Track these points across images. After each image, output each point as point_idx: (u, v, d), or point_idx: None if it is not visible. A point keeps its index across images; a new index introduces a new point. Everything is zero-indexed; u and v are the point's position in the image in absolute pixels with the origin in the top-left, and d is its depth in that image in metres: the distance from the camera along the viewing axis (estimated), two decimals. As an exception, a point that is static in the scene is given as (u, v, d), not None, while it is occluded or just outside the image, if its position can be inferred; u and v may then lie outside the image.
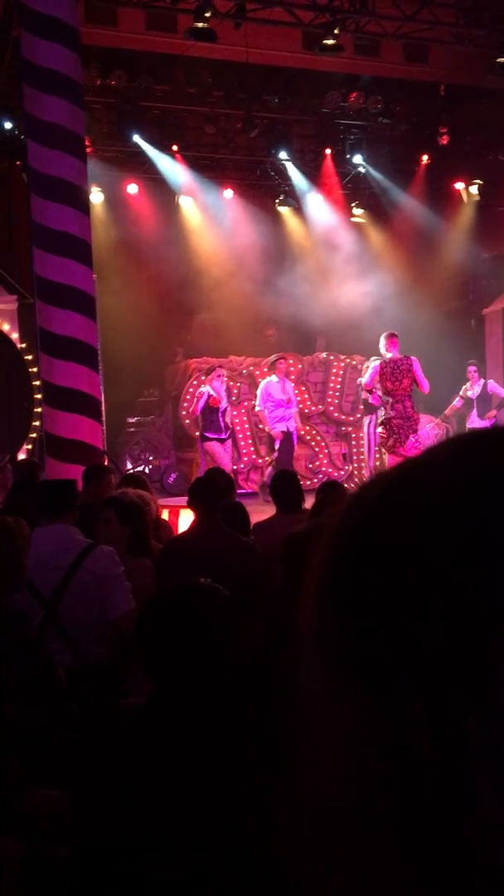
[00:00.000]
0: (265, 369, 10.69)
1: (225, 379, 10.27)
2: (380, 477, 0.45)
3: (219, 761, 1.53)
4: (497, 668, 0.36)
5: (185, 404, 11.49)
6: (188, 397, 11.48)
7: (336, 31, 9.86)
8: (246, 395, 11.57)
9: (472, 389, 10.66)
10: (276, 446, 10.00)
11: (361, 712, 0.38)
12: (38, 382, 8.74)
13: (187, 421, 11.51)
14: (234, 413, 10.88)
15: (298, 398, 10.97)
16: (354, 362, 12.29)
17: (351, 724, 0.39)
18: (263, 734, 1.37)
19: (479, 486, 0.40)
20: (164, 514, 6.26)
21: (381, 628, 0.38)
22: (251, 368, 11.76)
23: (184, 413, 11.51)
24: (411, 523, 0.40)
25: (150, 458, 11.76)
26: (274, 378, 10.13)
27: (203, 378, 11.21)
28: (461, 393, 10.69)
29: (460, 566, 0.38)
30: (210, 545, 3.82)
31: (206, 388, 9.97)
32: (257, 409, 10.17)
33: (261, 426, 10.78)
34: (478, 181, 13.53)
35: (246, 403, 11.48)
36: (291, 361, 11.51)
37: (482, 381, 10.69)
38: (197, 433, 11.53)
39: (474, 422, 10.49)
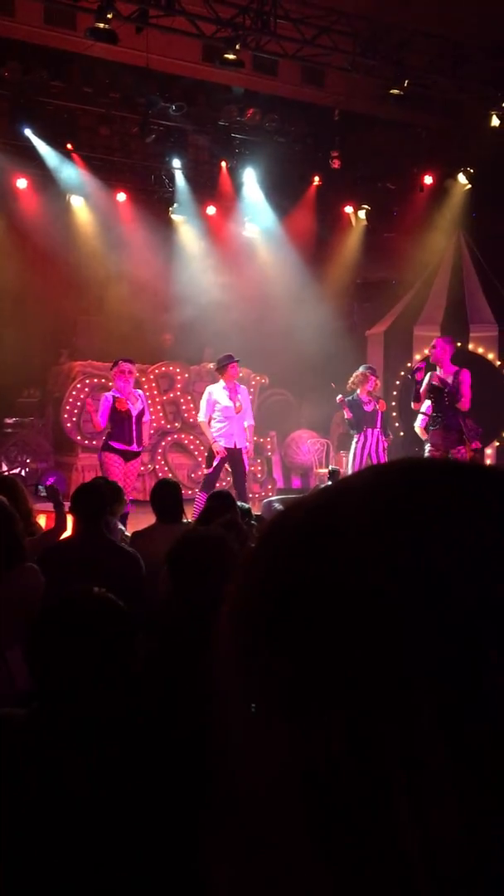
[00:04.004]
0: (217, 374, 8.76)
1: (133, 375, 8.15)
2: (298, 505, 0.46)
3: (104, 782, 1.48)
4: (416, 695, 0.37)
5: (68, 408, 11.23)
6: (70, 400, 11.22)
7: (237, 47, 9.95)
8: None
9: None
10: (215, 463, 8.44)
11: (282, 732, 0.40)
12: None
13: (69, 425, 11.26)
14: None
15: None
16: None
17: (271, 744, 0.40)
18: (157, 756, 1.34)
19: (397, 525, 0.41)
20: (41, 519, 6.09)
21: (302, 656, 0.40)
22: (136, 375, 11.55)
23: (65, 416, 11.25)
24: (331, 557, 0.41)
25: (28, 460, 11.43)
26: (221, 383, 8.54)
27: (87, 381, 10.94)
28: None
29: (385, 601, 0.39)
30: (92, 552, 3.74)
31: (110, 393, 8.08)
32: (200, 419, 8.59)
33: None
34: (366, 206, 13.97)
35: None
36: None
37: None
38: (78, 437, 11.24)
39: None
